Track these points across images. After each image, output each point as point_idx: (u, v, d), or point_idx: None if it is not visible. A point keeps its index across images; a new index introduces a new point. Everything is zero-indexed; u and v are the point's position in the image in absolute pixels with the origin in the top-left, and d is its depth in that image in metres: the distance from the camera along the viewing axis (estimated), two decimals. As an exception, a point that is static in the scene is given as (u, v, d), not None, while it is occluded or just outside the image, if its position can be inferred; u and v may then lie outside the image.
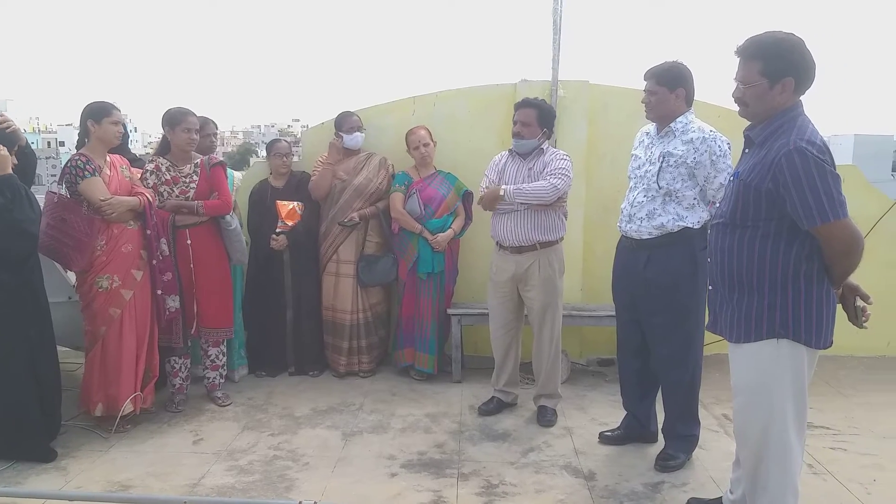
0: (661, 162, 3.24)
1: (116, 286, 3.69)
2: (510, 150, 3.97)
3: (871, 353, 5.05)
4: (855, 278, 2.42)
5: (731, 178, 2.53)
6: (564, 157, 3.86)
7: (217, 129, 4.83)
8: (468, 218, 4.64)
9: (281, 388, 4.58)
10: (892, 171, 51.16)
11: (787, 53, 2.34)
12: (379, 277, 4.69)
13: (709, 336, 2.89)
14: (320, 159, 4.72)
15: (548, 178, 3.77)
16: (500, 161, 3.99)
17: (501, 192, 3.78)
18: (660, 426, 3.57)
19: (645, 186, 3.30)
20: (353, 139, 4.63)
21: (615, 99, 4.86)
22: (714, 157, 3.17)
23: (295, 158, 5.11)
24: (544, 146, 3.91)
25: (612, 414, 3.96)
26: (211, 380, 4.32)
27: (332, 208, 4.69)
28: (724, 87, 2.68)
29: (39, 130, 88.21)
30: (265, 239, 4.61)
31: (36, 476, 3.32)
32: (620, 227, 3.44)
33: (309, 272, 4.74)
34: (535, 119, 3.81)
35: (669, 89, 3.21)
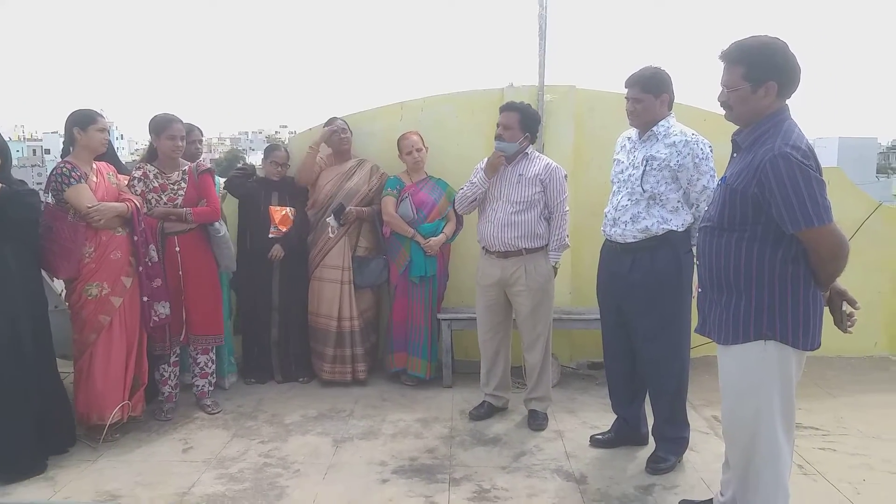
0: (645, 165, 3.26)
1: (106, 293, 3.67)
2: None
3: (859, 353, 5.09)
4: (842, 281, 2.44)
5: (719, 183, 2.55)
6: (564, 176, 3.91)
7: (203, 135, 4.81)
8: (459, 223, 4.64)
9: (270, 395, 4.56)
10: (877, 173, 51.67)
11: (769, 57, 2.36)
12: (370, 278, 4.68)
13: (697, 338, 2.90)
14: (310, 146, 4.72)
15: (561, 217, 3.88)
16: (483, 165, 3.99)
17: (554, 264, 3.93)
18: (650, 429, 3.58)
19: (629, 190, 3.32)
20: None
21: (601, 103, 4.88)
22: (697, 160, 3.20)
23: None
24: (529, 150, 3.92)
25: (603, 417, 3.97)
26: (200, 388, 4.30)
27: (323, 215, 4.68)
28: (710, 91, 2.70)
29: (24, 138, 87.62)
30: (255, 240, 4.62)
31: (24, 487, 3.29)
32: (605, 231, 3.46)
33: (298, 279, 4.73)
34: (517, 122, 3.82)
35: (655, 96, 3.24)
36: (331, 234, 4.63)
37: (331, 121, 4.77)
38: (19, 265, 3.43)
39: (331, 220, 4.60)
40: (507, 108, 3.88)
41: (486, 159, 4.03)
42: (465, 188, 4.01)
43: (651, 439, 3.56)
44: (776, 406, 2.43)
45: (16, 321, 3.38)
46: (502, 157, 3.82)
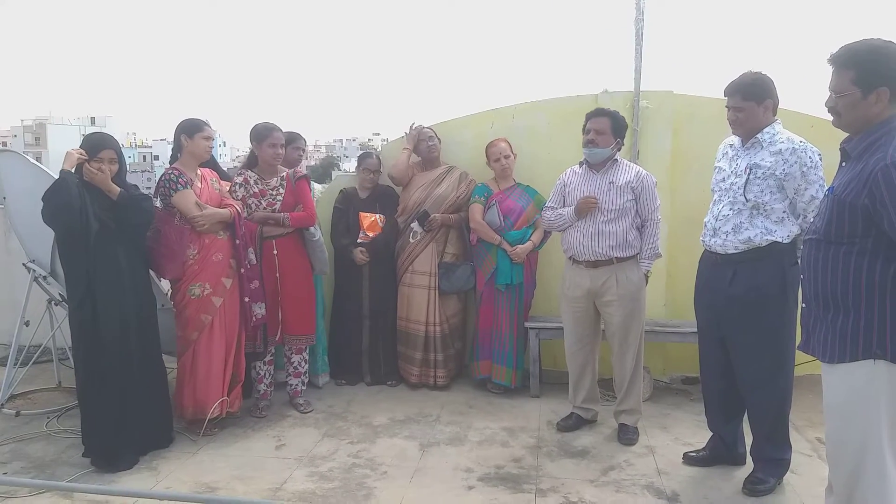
0: (748, 174, 3.14)
1: (208, 293, 3.84)
2: (581, 164, 3.93)
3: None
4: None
5: (826, 193, 2.43)
6: (654, 184, 3.84)
7: (306, 144, 4.97)
8: (547, 231, 4.61)
9: (360, 396, 4.65)
10: None
11: (882, 62, 2.24)
12: (458, 284, 4.71)
13: (801, 356, 2.76)
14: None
15: (654, 226, 3.83)
16: (569, 180, 3.96)
17: (646, 272, 3.87)
18: (748, 448, 3.43)
19: (731, 199, 3.20)
20: None
21: (701, 109, 4.74)
22: (805, 169, 3.05)
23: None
24: (617, 157, 3.86)
25: (697, 434, 3.84)
26: (293, 387, 4.43)
27: (410, 220, 4.75)
28: (818, 96, 2.58)
29: (136, 145, 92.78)
30: (346, 249, 4.73)
31: (129, 475, 3.48)
32: (704, 241, 3.34)
33: (387, 285, 4.81)
34: (609, 128, 3.77)
35: (757, 103, 3.11)
36: (411, 240, 4.70)
37: (419, 129, 4.83)
38: (130, 265, 3.63)
39: (415, 225, 4.68)
40: (598, 113, 3.83)
41: (569, 171, 4.00)
42: (552, 218, 4.00)
43: (749, 459, 3.41)
44: (885, 430, 2.28)
45: (125, 318, 3.58)
46: (595, 204, 3.78)
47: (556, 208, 3.99)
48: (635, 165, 3.94)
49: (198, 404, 3.87)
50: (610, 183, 3.80)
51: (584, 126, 3.85)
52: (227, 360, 3.94)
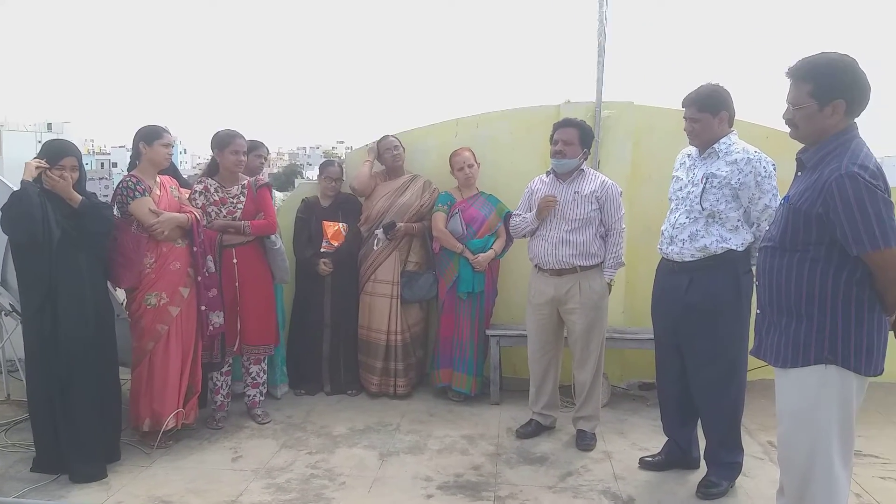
0: (705, 183, 3.19)
1: (164, 303, 3.77)
2: (548, 173, 3.96)
3: (927, 382, 4.85)
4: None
5: (782, 202, 2.49)
6: (619, 193, 3.87)
7: (268, 152, 4.91)
8: (509, 239, 4.62)
9: (319, 406, 4.60)
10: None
11: (838, 75, 2.30)
12: (420, 293, 4.70)
13: (755, 361, 2.81)
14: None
15: (618, 235, 3.85)
16: (536, 188, 3.98)
17: (609, 281, 3.89)
18: (702, 452, 3.48)
19: (687, 208, 3.26)
20: None
21: (660, 120, 4.82)
22: (759, 179, 3.12)
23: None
24: (584, 166, 3.89)
25: (654, 439, 3.88)
26: (251, 397, 4.36)
27: (375, 228, 4.73)
28: (773, 107, 2.65)
29: (94, 152, 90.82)
30: (310, 262, 4.69)
31: (79, 489, 3.39)
32: (661, 249, 3.39)
33: (349, 294, 4.78)
34: (577, 138, 3.80)
35: (713, 115, 3.18)
36: (374, 247, 4.68)
37: (383, 138, 4.83)
38: (90, 274, 3.55)
39: (379, 232, 4.66)
40: (565, 124, 3.86)
41: (536, 179, 4.02)
42: (518, 221, 4.02)
43: (703, 463, 3.46)
44: (835, 433, 2.35)
45: (86, 327, 3.50)
46: (554, 201, 3.81)
47: (522, 214, 4.01)
48: (601, 175, 3.95)
49: (154, 416, 3.78)
50: (575, 192, 3.83)
51: (552, 136, 3.87)
52: (183, 371, 3.86)
